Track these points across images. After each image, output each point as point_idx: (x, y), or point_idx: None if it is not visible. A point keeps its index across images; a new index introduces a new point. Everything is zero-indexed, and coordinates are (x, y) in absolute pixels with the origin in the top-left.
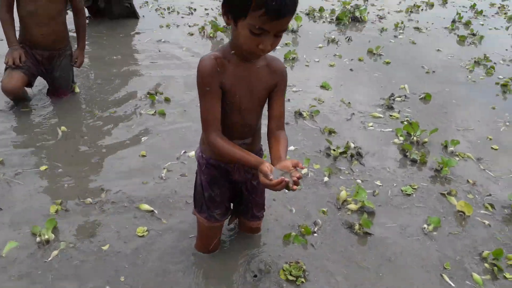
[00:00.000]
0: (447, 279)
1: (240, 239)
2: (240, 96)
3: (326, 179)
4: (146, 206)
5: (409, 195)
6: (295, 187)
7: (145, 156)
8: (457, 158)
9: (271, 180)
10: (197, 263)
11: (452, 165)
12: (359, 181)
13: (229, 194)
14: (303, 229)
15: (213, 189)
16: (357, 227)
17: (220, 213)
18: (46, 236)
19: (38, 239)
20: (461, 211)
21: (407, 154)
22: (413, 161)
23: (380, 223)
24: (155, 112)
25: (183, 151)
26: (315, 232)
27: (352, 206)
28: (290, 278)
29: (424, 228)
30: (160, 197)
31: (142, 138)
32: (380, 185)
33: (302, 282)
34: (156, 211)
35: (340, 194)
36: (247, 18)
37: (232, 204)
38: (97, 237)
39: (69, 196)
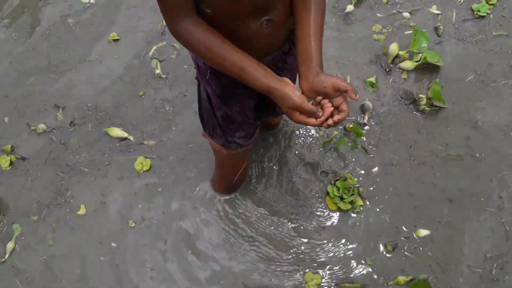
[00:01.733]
0: None
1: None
2: None
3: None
4: None
5: (483, 17)
6: (327, 124)
7: None
8: None
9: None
10: None
11: None
12: (406, 14)
13: (255, 102)
14: (350, 128)
15: (230, 105)
16: (423, 102)
17: (244, 135)
18: None
19: None
20: None
21: None
22: None
23: (451, 78)
24: None
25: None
26: (365, 125)
27: (408, 64)
28: (343, 206)
29: None
30: None
31: None
32: (438, 14)
33: (360, 206)
34: None
35: (390, 47)
36: None
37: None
38: None
39: None
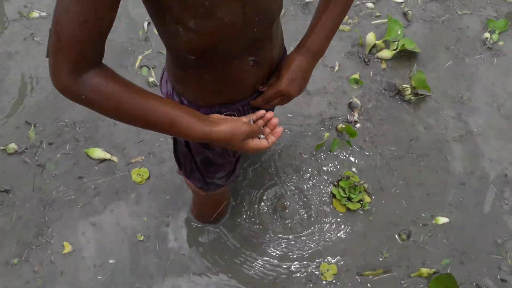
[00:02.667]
0: None
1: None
2: None
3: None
4: None
5: None
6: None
7: None
8: None
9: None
10: None
11: None
12: (369, 4)
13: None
14: (341, 128)
15: (212, 148)
16: (408, 92)
17: (225, 174)
18: None
19: None
20: None
21: None
22: None
23: (429, 63)
24: None
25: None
26: (356, 122)
27: (386, 54)
28: (352, 206)
29: (487, 39)
30: None
31: None
32: (401, 2)
33: (369, 203)
34: None
35: (366, 38)
36: None
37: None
38: None
39: None
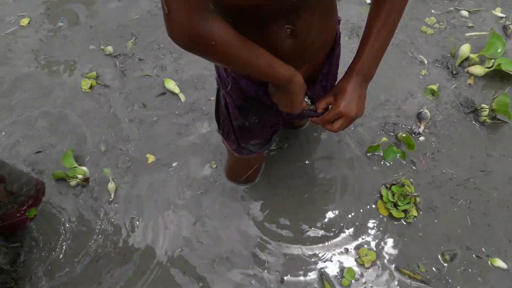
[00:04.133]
0: None
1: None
2: None
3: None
4: None
5: None
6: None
7: None
8: None
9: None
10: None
11: None
12: (464, 13)
13: (275, 119)
14: (401, 137)
15: (248, 117)
16: (485, 113)
17: (260, 143)
18: None
19: None
20: None
21: None
22: None
23: None
24: None
25: None
26: (420, 134)
27: (478, 70)
28: (396, 214)
29: None
30: None
31: None
32: (502, 17)
33: (414, 217)
34: None
35: (460, 48)
36: None
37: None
38: None
39: None
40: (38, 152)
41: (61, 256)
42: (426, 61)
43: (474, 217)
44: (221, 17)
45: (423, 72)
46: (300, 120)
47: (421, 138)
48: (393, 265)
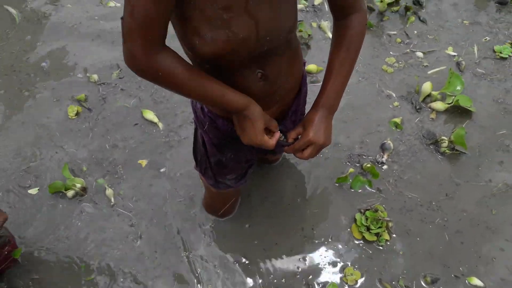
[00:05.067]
0: None
1: (263, 181)
2: None
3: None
4: None
5: (504, 58)
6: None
7: None
8: None
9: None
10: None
11: None
12: (419, 54)
13: (249, 154)
14: (366, 167)
15: (225, 153)
16: (445, 144)
17: (236, 177)
18: None
19: None
20: None
21: None
22: (501, 3)
23: (477, 125)
24: None
25: None
26: (383, 164)
27: (439, 105)
28: (369, 237)
29: None
30: None
31: None
32: (454, 55)
33: (387, 241)
34: None
35: (422, 86)
36: None
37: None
38: None
39: None
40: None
41: None
42: (394, 95)
43: (449, 234)
44: (173, 51)
45: (395, 103)
46: (273, 156)
47: (385, 167)
48: (377, 279)
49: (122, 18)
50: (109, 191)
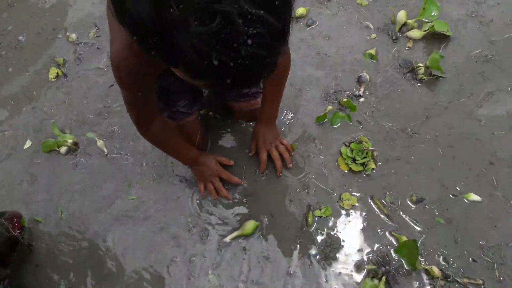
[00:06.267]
0: None
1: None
2: None
3: None
4: None
5: None
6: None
7: None
8: None
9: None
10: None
11: None
12: None
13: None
14: (344, 103)
15: (163, 78)
16: (421, 71)
17: (187, 103)
18: None
19: None
20: None
21: None
22: None
23: (454, 47)
24: None
25: None
26: (360, 96)
27: (415, 33)
28: (355, 167)
29: None
30: None
31: None
32: None
33: (373, 169)
34: None
35: (397, 15)
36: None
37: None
38: None
39: None
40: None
41: None
42: (371, 26)
43: (442, 149)
44: (160, 121)
45: (373, 36)
46: (253, 103)
47: (361, 99)
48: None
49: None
50: (100, 143)
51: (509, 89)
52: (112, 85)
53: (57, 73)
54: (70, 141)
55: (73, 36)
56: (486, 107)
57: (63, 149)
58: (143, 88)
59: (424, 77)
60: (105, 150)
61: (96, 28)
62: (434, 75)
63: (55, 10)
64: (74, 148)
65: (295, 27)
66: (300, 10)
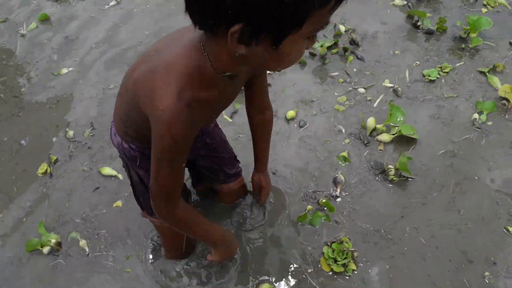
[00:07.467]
0: None
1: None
2: (217, 110)
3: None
4: None
5: (433, 81)
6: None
7: None
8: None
9: None
10: None
11: (483, 26)
12: (361, 90)
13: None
14: (323, 203)
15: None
16: (392, 172)
17: None
18: None
19: None
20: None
21: (418, 22)
22: (428, 33)
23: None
24: None
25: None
26: (337, 197)
27: (385, 137)
28: (336, 268)
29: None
30: None
31: None
32: (390, 86)
33: (353, 270)
34: None
35: (367, 121)
36: (305, 25)
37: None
38: None
39: None
40: None
41: None
42: (344, 131)
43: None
44: (186, 205)
45: (346, 141)
46: (239, 181)
47: (338, 200)
48: None
49: (150, 187)
50: (82, 242)
51: (476, 178)
52: (97, 188)
53: (46, 169)
54: (53, 240)
55: (71, 133)
56: (462, 196)
57: (46, 249)
58: (188, 154)
59: (395, 178)
60: (87, 250)
61: (92, 127)
62: (404, 177)
63: (62, 107)
64: (57, 248)
65: (287, 128)
66: (290, 113)
